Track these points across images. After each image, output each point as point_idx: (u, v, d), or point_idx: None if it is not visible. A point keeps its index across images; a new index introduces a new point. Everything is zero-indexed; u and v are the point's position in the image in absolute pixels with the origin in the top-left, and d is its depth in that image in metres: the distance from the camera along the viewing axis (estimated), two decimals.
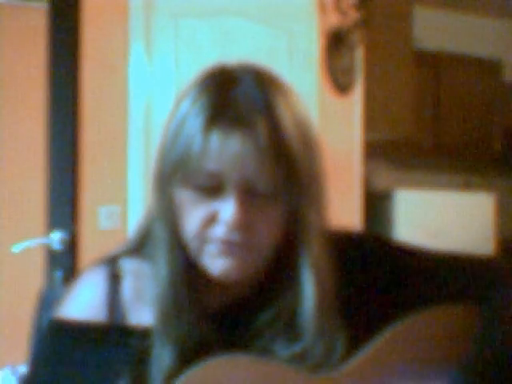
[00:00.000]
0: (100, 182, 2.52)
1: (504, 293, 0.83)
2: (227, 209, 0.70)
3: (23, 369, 1.74)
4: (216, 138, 0.69)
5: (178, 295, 0.73)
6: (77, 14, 2.26)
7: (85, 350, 0.75)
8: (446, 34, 4.59)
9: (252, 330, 0.77)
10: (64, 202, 2.18)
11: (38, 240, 2.14)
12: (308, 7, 2.91)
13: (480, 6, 4.60)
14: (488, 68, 4.49)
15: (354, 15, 3.02)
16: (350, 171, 3.13)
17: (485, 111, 4.46)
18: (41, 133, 2.24)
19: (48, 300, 1.03)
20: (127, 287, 0.79)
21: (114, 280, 0.79)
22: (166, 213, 0.75)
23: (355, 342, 0.75)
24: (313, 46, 2.93)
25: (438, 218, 3.84)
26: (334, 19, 2.99)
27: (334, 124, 3.03)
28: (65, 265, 2.13)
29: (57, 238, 2.11)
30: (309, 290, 0.74)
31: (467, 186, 4.72)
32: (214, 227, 0.72)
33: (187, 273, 0.75)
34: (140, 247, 0.82)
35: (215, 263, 0.73)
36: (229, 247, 0.72)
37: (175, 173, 0.73)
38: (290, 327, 0.75)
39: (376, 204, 3.83)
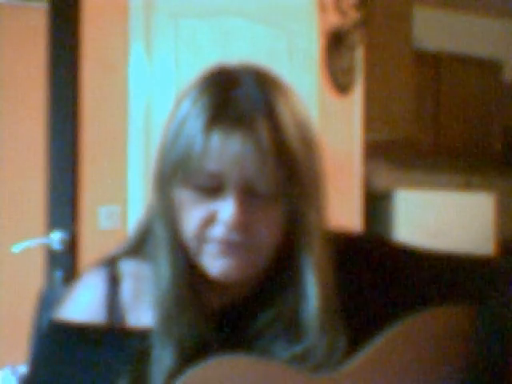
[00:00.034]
0: (100, 182, 2.52)
1: (504, 293, 0.83)
2: (226, 209, 0.71)
3: (23, 369, 1.74)
4: (216, 139, 0.69)
5: (178, 295, 0.73)
6: (77, 14, 2.26)
7: (84, 351, 0.75)
8: (446, 34, 4.59)
9: (252, 330, 0.77)
10: (64, 202, 2.18)
11: (37, 240, 2.14)
12: (308, 7, 2.91)
13: (480, 5, 4.60)
14: (488, 68, 4.50)
15: (354, 15, 3.02)
16: (350, 171, 3.13)
17: (485, 111, 4.47)
18: (41, 133, 2.24)
19: (48, 300, 1.03)
20: (126, 288, 0.79)
21: (113, 282, 0.79)
22: (166, 213, 0.75)
23: (355, 342, 0.75)
24: (313, 46, 2.93)
25: (438, 217, 3.84)
26: (334, 19, 2.99)
27: (334, 124, 3.03)
28: (65, 265, 2.13)
29: (57, 238, 2.11)
30: (310, 290, 0.74)
31: (467, 185, 4.73)
32: (214, 227, 0.72)
33: (188, 273, 0.75)
34: (139, 247, 0.82)
35: (214, 263, 0.73)
36: (228, 247, 0.72)
37: (175, 173, 0.73)
38: (291, 327, 0.75)
39: (376, 204, 3.83)
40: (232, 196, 0.71)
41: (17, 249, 2.09)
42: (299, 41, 2.89)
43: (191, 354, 0.72)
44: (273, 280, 0.78)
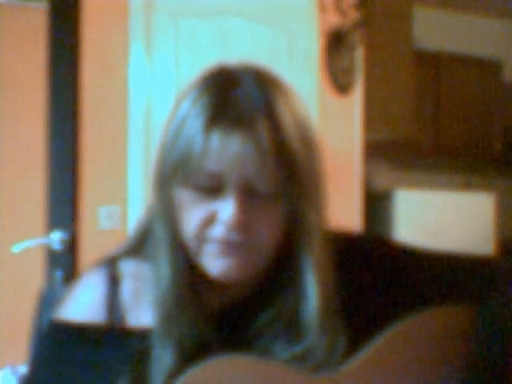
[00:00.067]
0: (100, 182, 2.52)
1: (504, 293, 0.83)
2: (226, 209, 0.71)
3: (23, 369, 1.74)
4: (216, 139, 0.69)
5: (178, 295, 0.73)
6: (77, 14, 2.26)
7: (84, 351, 0.75)
8: (445, 34, 4.59)
9: (252, 330, 0.77)
10: (64, 202, 2.18)
11: (38, 240, 2.14)
12: (308, 7, 2.91)
13: (480, 5, 4.60)
14: (488, 68, 4.50)
15: (354, 15, 3.02)
16: (350, 171, 3.13)
17: (485, 111, 4.47)
18: (41, 133, 2.24)
19: (48, 300, 1.03)
20: (126, 288, 0.79)
21: (113, 282, 0.79)
22: (166, 213, 0.75)
23: (355, 342, 0.75)
24: (313, 46, 2.94)
25: (437, 217, 3.85)
26: (334, 19, 2.99)
27: (334, 124, 3.03)
28: (65, 265, 2.13)
29: (57, 238, 2.11)
30: (310, 290, 0.74)
31: (467, 185, 4.73)
32: (214, 227, 0.72)
33: (188, 273, 0.75)
34: (139, 247, 0.82)
35: (214, 263, 0.73)
36: (228, 247, 0.72)
37: (175, 173, 0.73)
38: (291, 327, 0.75)
39: (376, 204, 3.83)
40: (232, 196, 0.71)
41: (17, 249, 2.09)
42: (299, 41, 2.89)
43: (191, 353, 0.72)
44: (273, 280, 0.78)
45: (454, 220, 3.89)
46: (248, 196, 0.71)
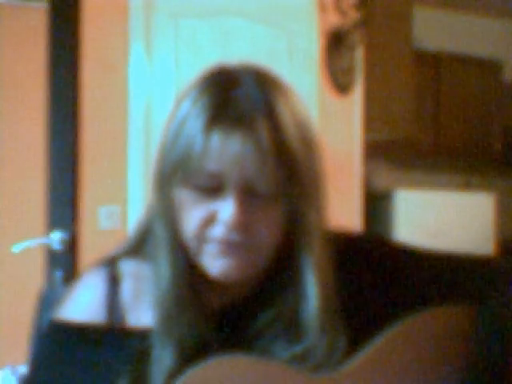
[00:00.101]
0: (100, 182, 2.52)
1: (504, 293, 0.83)
2: (226, 209, 0.71)
3: (23, 369, 1.74)
4: (216, 139, 0.69)
5: (178, 295, 0.73)
6: (77, 14, 2.26)
7: (84, 351, 0.75)
8: (446, 34, 4.59)
9: (252, 330, 0.77)
10: (64, 202, 2.18)
11: (38, 240, 2.14)
12: (308, 7, 2.91)
13: (480, 5, 4.60)
14: (488, 68, 4.50)
15: (354, 15, 3.02)
16: (350, 171, 3.13)
17: (485, 111, 4.47)
18: (41, 133, 2.24)
19: (48, 300, 1.03)
20: (126, 288, 0.79)
21: (113, 282, 0.79)
22: (166, 213, 0.75)
23: (355, 342, 0.75)
24: (313, 46, 2.94)
25: (437, 217, 3.85)
26: (334, 19, 2.99)
27: (334, 124, 3.03)
28: (65, 265, 2.13)
29: (57, 238, 2.11)
30: (310, 290, 0.74)
31: (467, 186, 4.73)
32: (214, 227, 0.72)
33: (188, 273, 0.75)
34: (139, 247, 0.82)
35: (214, 263, 0.73)
36: (228, 247, 0.72)
37: (175, 173, 0.73)
38: (291, 327, 0.75)
39: (376, 204, 3.83)
40: (232, 196, 0.71)
41: (17, 249, 2.09)
42: (299, 41, 2.89)
43: (191, 354, 0.72)
44: (273, 280, 0.78)
45: (454, 220, 3.89)
46: (248, 196, 0.71)
